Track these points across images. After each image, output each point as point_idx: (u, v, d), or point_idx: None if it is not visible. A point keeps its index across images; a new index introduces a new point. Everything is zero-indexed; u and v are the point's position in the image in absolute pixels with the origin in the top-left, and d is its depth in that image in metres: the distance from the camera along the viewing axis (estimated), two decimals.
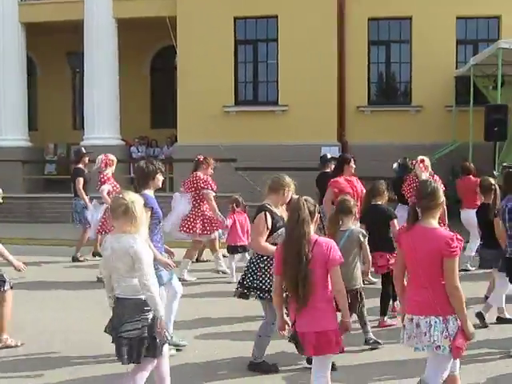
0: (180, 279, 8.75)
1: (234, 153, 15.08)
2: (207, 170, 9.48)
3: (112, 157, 9.96)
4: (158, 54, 19.94)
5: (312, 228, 4.27)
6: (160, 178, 5.84)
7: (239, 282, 5.71)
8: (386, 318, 6.84)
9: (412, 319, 4.11)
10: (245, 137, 15.31)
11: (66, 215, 14.50)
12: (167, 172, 15.63)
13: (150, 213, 5.43)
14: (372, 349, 6.08)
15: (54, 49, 18.93)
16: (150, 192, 5.75)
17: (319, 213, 4.51)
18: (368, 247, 6.19)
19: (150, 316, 4.29)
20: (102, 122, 16.08)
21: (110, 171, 9.77)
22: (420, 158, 9.25)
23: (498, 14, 15.41)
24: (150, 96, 20.19)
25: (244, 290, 5.62)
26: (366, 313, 6.15)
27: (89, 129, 16.28)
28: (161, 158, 17.32)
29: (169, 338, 4.57)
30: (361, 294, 5.98)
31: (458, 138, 14.70)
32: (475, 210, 9.07)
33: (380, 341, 6.16)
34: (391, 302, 7.05)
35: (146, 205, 5.10)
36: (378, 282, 7.10)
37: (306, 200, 4.28)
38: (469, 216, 9.15)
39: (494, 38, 15.14)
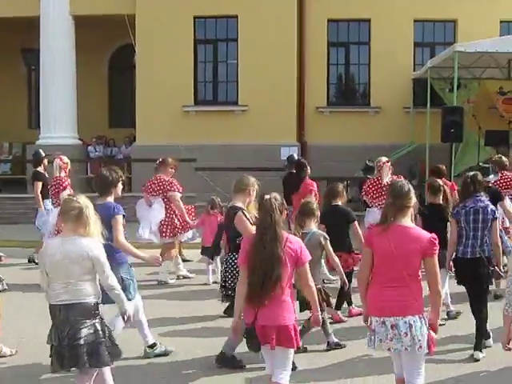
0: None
1: (193, 153, 14.97)
2: (168, 171, 9.37)
3: (66, 159, 9.83)
4: (117, 53, 19.67)
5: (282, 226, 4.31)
6: (121, 186, 5.87)
7: (222, 286, 5.76)
8: (339, 312, 7.04)
9: (384, 322, 4.10)
10: (204, 137, 15.24)
11: (20, 216, 14.22)
12: (125, 172, 15.51)
13: (124, 220, 5.55)
14: (334, 349, 6.11)
15: (8, 45, 18.47)
16: (111, 200, 5.71)
17: (286, 210, 4.55)
18: (331, 249, 6.22)
19: (98, 320, 4.30)
20: (59, 121, 15.77)
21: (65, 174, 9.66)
22: (384, 159, 9.02)
23: (455, 17, 15.71)
24: (108, 95, 19.92)
25: (229, 292, 5.73)
26: (326, 316, 6.13)
27: (45, 128, 15.95)
28: (118, 158, 17.13)
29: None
30: (321, 292, 5.95)
31: (415, 139, 14.92)
32: None
33: (342, 343, 6.18)
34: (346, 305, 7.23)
35: (117, 213, 5.47)
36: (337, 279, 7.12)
37: (275, 199, 4.29)
38: None
39: (451, 41, 15.44)
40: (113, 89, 19.93)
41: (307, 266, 4.27)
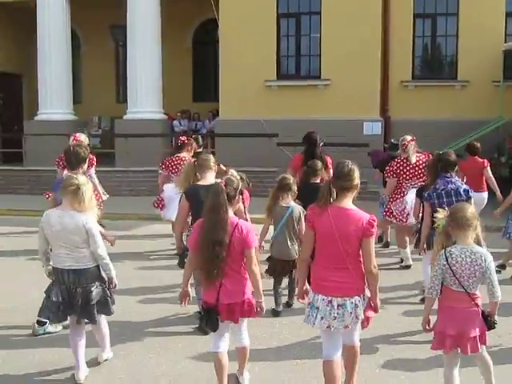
0: None
1: (275, 128, 15.07)
2: (191, 152, 9.44)
3: (83, 137, 9.49)
4: (201, 27, 19.90)
5: (231, 210, 4.44)
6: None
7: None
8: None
9: (331, 301, 4.17)
10: (286, 112, 15.26)
11: (108, 188, 14.76)
12: (209, 147, 15.81)
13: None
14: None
15: (97, 22, 19.07)
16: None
17: (241, 194, 4.71)
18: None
19: (103, 280, 5.00)
20: (145, 96, 16.18)
21: None
22: (409, 137, 8.33)
23: None
24: (192, 69, 20.23)
25: None
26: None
27: (132, 103, 16.42)
28: (202, 132, 17.42)
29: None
30: (295, 264, 6.25)
31: (504, 115, 14.37)
32: (484, 192, 8.98)
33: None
34: None
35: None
36: None
37: (226, 184, 4.41)
38: (482, 197, 8.99)
39: None
40: (197, 63, 20.22)
41: (253, 250, 4.38)
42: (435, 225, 4.38)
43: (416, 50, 16.01)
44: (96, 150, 18.06)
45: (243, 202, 8.59)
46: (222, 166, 7.08)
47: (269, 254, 6.77)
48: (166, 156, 10.39)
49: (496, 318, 4.22)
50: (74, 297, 4.84)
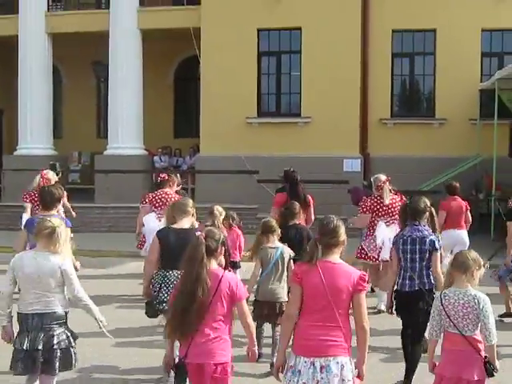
0: None
1: (256, 164, 15.14)
2: (173, 187, 9.43)
3: (50, 175, 9.52)
4: (183, 64, 20.08)
5: (215, 262, 4.23)
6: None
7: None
8: None
9: (313, 363, 3.88)
10: (267, 148, 15.35)
11: (87, 225, 14.69)
12: (189, 183, 15.81)
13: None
14: None
15: (79, 58, 19.15)
16: (55, 213, 6.43)
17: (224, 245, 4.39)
18: (293, 266, 6.26)
19: (67, 327, 4.76)
20: (126, 132, 16.22)
21: None
22: (383, 177, 8.32)
23: None
24: (174, 106, 20.33)
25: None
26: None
27: (112, 138, 16.43)
28: (183, 170, 17.43)
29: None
30: (282, 306, 6.14)
31: (481, 152, 14.59)
32: (464, 230, 9.11)
33: None
34: None
35: (68, 225, 6.07)
36: None
37: (207, 235, 4.21)
38: (463, 235, 9.19)
39: None
40: (178, 99, 20.34)
41: (244, 302, 4.22)
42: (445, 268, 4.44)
43: (394, 89, 16.27)
44: (76, 185, 18.06)
45: (235, 243, 8.59)
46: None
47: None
48: (147, 192, 10.40)
49: (497, 364, 4.18)
50: (37, 342, 4.59)
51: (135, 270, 10.95)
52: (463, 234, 9.28)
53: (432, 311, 4.28)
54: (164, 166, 17.99)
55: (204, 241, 4.14)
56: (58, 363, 4.63)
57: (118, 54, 16.23)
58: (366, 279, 4.02)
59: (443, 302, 4.20)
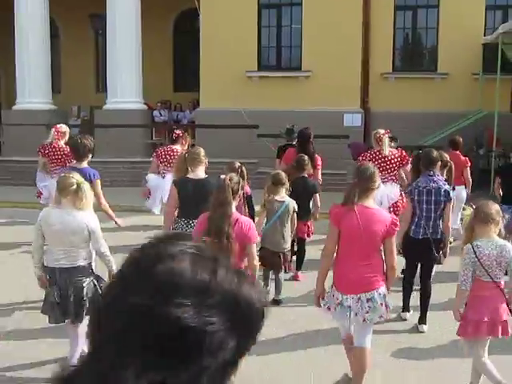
0: None
1: (255, 119, 15.06)
2: (185, 145, 9.44)
3: (64, 128, 9.62)
4: (182, 16, 19.79)
5: (234, 206, 4.63)
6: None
7: None
8: (299, 273, 7.66)
9: (360, 298, 4.31)
10: (267, 103, 15.24)
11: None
12: (190, 137, 15.74)
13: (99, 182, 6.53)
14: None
15: (76, 11, 18.87)
16: (86, 165, 6.73)
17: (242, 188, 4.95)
18: (296, 218, 6.88)
19: (95, 277, 4.97)
20: (125, 86, 16.04)
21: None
22: (382, 131, 8.27)
23: None
24: (173, 59, 20.11)
25: None
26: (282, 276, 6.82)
27: (111, 93, 16.29)
28: (183, 124, 17.34)
29: None
30: (285, 255, 6.70)
31: (483, 107, 14.49)
32: (462, 186, 9.13)
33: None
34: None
35: (97, 178, 6.63)
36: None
37: (230, 179, 4.61)
38: (461, 192, 9.14)
39: None
40: (178, 53, 20.10)
41: (254, 246, 4.66)
42: (462, 221, 4.55)
43: (396, 42, 16.07)
44: None
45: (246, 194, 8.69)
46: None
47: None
48: (148, 146, 10.47)
49: None
50: (67, 297, 4.78)
51: (136, 223, 11.03)
52: (461, 189, 9.26)
53: (465, 263, 4.43)
54: (164, 119, 17.91)
55: (230, 183, 4.54)
56: (85, 312, 4.84)
57: (115, 5, 15.92)
58: (398, 223, 4.41)
59: (477, 253, 4.38)
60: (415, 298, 6.26)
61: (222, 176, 4.70)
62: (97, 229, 4.87)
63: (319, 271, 4.46)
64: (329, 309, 4.46)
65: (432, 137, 14.46)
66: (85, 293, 4.82)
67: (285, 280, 7.04)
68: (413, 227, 5.99)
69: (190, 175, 5.99)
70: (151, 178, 9.36)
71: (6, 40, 18.56)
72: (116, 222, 6.98)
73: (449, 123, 14.54)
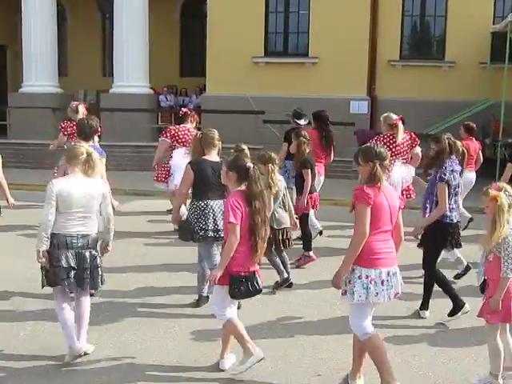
0: None
1: (262, 105, 15.04)
2: (193, 123, 9.44)
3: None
4: (188, 1, 19.70)
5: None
6: None
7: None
8: (311, 253, 7.72)
9: (396, 271, 4.39)
10: (273, 89, 15.22)
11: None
12: (196, 122, 15.73)
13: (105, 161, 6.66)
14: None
15: None
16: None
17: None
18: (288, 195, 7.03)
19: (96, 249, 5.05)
20: (131, 70, 16.03)
21: None
22: (395, 116, 8.29)
23: None
24: (180, 43, 20.06)
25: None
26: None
27: (118, 76, 16.28)
28: (190, 108, 17.31)
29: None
30: (288, 231, 6.81)
31: (491, 97, 14.43)
32: (473, 171, 9.11)
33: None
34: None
35: (105, 155, 6.87)
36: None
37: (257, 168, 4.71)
38: (472, 176, 9.18)
39: None
40: (184, 37, 20.04)
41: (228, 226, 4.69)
42: (498, 202, 4.42)
43: (404, 30, 16.00)
44: None
45: None
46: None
47: None
48: (154, 130, 10.31)
49: None
50: (84, 260, 4.85)
51: (141, 207, 11.09)
52: (473, 175, 9.30)
53: (509, 251, 4.36)
54: (170, 104, 17.90)
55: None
56: (100, 281, 4.98)
57: None
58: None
59: None
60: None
61: (249, 164, 4.63)
62: (108, 194, 5.07)
63: (352, 254, 4.26)
64: (345, 293, 4.37)
65: (439, 125, 14.42)
66: (98, 261, 4.93)
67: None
68: (448, 213, 5.98)
69: (206, 157, 6.00)
70: (177, 154, 9.18)
71: (13, 23, 18.56)
72: None
73: (456, 112, 14.49)
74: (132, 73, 16.07)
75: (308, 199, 7.69)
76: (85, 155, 4.85)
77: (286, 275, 6.75)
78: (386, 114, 8.48)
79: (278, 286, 6.74)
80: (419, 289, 6.21)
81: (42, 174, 12.26)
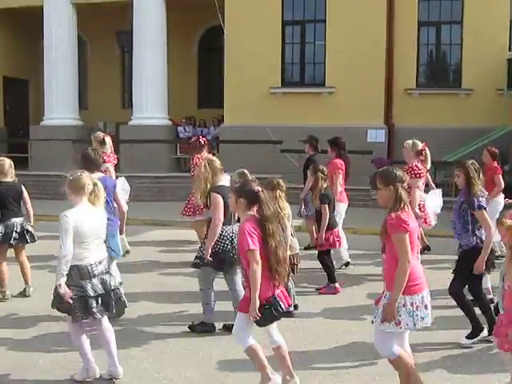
0: None
1: (279, 134, 15.13)
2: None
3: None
4: (207, 34, 20.01)
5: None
6: None
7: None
8: (336, 285, 7.71)
9: (427, 293, 4.37)
10: (291, 119, 15.33)
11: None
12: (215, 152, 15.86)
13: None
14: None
15: (104, 28, 19.20)
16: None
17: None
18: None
19: None
20: (151, 102, 16.28)
21: None
22: (419, 142, 8.41)
23: None
24: (198, 76, 20.32)
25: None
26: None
27: (137, 109, 16.51)
28: (208, 139, 17.45)
29: None
30: (298, 257, 6.86)
31: (508, 123, 14.40)
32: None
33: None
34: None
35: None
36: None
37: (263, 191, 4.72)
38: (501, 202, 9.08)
39: None
40: (202, 69, 20.31)
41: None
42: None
43: (420, 58, 16.08)
44: None
45: None
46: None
47: None
48: (173, 161, 10.34)
49: None
50: (107, 284, 4.98)
51: (158, 237, 11.14)
52: (502, 200, 9.22)
53: None
54: (188, 135, 18.04)
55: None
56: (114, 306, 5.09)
57: (142, 23, 16.22)
58: None
59: None
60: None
61: (258, 187, 4.65)
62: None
63: (401, 286, 4.19)
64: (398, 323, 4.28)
65: (457, 152, 14.39)
66: (114, 283, 5.06)
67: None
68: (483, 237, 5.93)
69: (222, 183, 6.17)
70: None
71: (35, 57, 18.97)
72: None
73: (473, 139, 14.46)
74: (151, 105, 16.31)
75: (329, 235, 7.72)
76: (91, 186, 4.97)
77: (292, 306, 6.71)
78: (410, 142, 8.48)
79: None
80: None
81: (62, 204, 12.32)
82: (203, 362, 5.48)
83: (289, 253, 6.63)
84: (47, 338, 6.05)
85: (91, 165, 6.80)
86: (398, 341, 4.42)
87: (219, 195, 5.94)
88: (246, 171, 6.92)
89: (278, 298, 4.59)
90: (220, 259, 6.04)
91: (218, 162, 6.30)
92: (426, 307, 4.28)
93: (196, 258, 6.26)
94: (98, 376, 5.01)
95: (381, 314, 4.28)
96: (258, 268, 4.44)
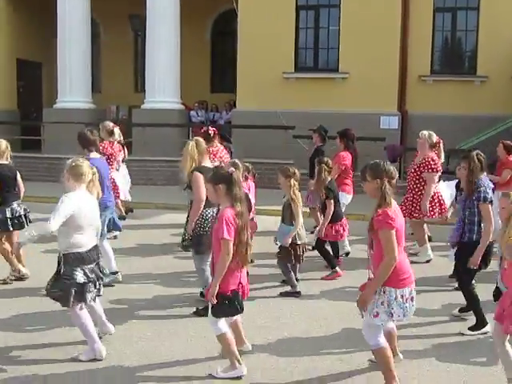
0: None
1: (292, 120, 15.08)
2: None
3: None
4: (220, 18, 19.95)
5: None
6: None
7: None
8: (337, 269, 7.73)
9: (413, 289, 4.46)
10: (303, 104, 15.27)
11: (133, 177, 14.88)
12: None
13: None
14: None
15: (117, 11, 19.17)
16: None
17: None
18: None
19: None
20: (163, 86, 16.25)
21: None
22: (435, 135, 8.48)
23: None
24: (210, 60, 20.26)
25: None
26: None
27: (149, 92, 16.50)
28: (220, 124, 17.45)
29: None
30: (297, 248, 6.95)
31: None
32: None
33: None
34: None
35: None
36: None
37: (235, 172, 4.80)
38: None
39: None
40: (215, 54, 20.25)
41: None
42: None
43: (435, 45, 15.92)
44: None
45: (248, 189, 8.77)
46: None
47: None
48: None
49: None
50: (99, 272, 5.18)
51: (169, 221, 11.17)
52: None
53: None
54: (201, 120, 18.06)
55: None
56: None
57: (155, 7, 16.15)
58: None
59: None
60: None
61: (231, 169, 4.77)
62: None
63: (381, 280, 4.25)
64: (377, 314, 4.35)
65: (470, 140, 14.28)
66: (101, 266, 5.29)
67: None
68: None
69: (205, 164, 6.23)
70: None
71: (48, 40, 18.98)
72: None
73: (487, 127, 14.35)
74: (163, 89, 16.28)
75: (339, 227, 7.84)
76: (91, 174, 5.07)
77: (298, 289, 6.92)
78: (427, 133, 8.48)
79: (286, 294, 6.92)
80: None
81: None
82: (210, 344, 5.51)
83: (298, 242, 6.85)
84: (51, 318, 6.08)
85: (87, 144, 6.96)
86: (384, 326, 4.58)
87: (201, 174, 5.97)
88: (237, 161, 7.00)
89: (239, 294, 4.66)
90: (202, 242, 6.03)
91: (202, 144, 6.38)
92: (412, 299, 4.41)
93: (183, 240, 6.37)
94: (104, 356, 5.07)
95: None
96: (227, 259, 4.49)
